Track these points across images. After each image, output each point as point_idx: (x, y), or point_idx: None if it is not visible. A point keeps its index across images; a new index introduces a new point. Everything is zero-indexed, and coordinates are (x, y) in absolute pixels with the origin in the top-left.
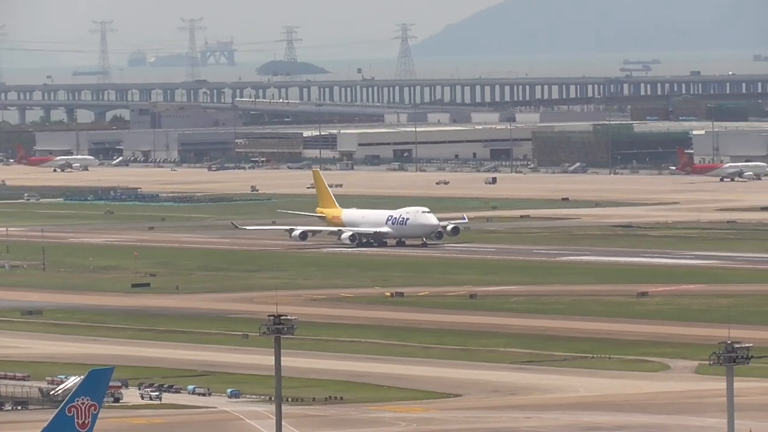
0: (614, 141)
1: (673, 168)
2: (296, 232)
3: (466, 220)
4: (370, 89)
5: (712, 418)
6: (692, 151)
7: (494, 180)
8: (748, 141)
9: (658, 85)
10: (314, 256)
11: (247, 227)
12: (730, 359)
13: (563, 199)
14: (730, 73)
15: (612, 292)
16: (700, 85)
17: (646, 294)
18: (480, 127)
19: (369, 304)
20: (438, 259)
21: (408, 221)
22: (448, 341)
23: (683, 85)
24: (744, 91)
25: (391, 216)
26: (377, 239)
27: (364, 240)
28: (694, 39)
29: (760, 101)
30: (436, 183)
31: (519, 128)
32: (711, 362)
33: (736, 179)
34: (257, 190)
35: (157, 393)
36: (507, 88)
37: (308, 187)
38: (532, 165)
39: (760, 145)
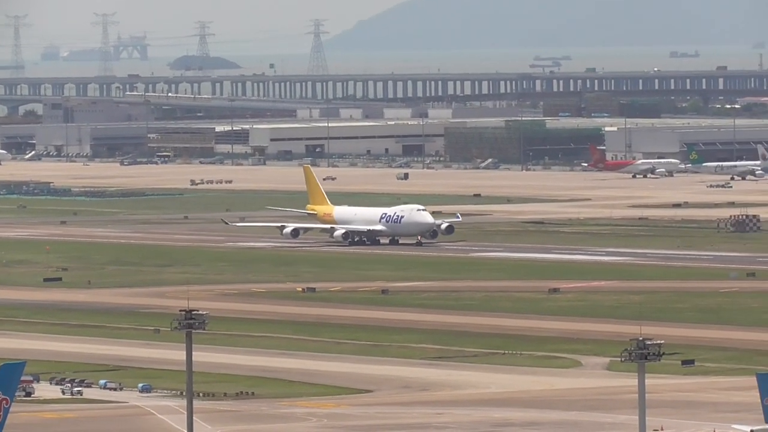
0: (526, 137)
1: (585, 164)
2: (288, 230)
3: (460, 219)
4: (282, 84)
5: (624, 414)
6: (604, 147)
7: (406, 176)
8: (661, 138)
9: (571, 81)
10: (226, 251)
11: (238, 224)
12: (642, 356)
13: (475, 195)
14: (656, 69)
15: (523, 288)
16: (612, 81)
17: (558, 290)
18: (392, 122)
19: (281, 299)
20: (349, 254)
21: (402, 219)
22: (360, 337)
23: (596, 81)
24: (657, 87)
25: (385, 213)
26: (370, 237)
27: (357, 238)
28: (605, 35)
29: (672, 98)
30: (323, 179)
31: (431, 124)
32: (622, 359)
33: (648, 176)
34: (197, 183)
35: (79, 388)
36: (419, 84)
37: (226, 182)
38: (444, 161)
39: (673, 142)
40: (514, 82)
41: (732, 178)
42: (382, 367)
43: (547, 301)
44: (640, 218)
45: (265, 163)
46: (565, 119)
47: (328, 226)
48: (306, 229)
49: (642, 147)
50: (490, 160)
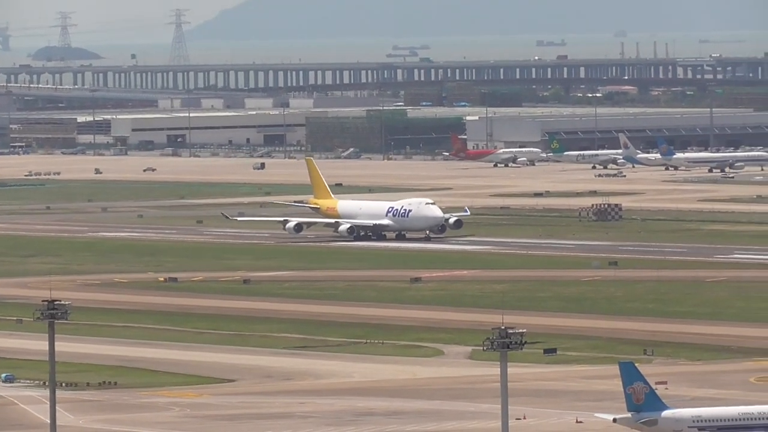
0: (388, 126)
1: (447, 154)
2: (291, 224)
3: (468, 213)
4: (143, 75)
5: (486, 403)
6: (466, 136)
7: (262, 165)
8: (522, 127)
9: (432, 70)
10: (88, 240)
11: (239, 218)
12: (504, 345)
13: (337, 184)
14: (537, 58)
15: (385, 277)
16: (473, 70)
17: (420, 279)
18: (253, 112)
19: (143, 289)
20: (212, 244)
21: (410, 213)
22: (222, 326)
23: (457, 70)
24: (518, 76)
25: (392, 207)
26: (376, 232)
27: (362, 233)
28: (469, 24)
29: (534, 87)
30: (144, 170)
31: (292, 114)
32: (484, 348)
33: (509, 165)
34: (101, 172)
35: None
36: (280, 74)
37: (95, 173)
38: (306, 150)
39: (534, 131)
40: (375, 72)
41: (593, 167)
42: (245, 356)
43: (409, 290)
44: (501, 207)
45: (126, 154)
46: (427, 108)
47: (333, 220)
48: (309, 224)
49: (503, 136)
50: (351, 149)
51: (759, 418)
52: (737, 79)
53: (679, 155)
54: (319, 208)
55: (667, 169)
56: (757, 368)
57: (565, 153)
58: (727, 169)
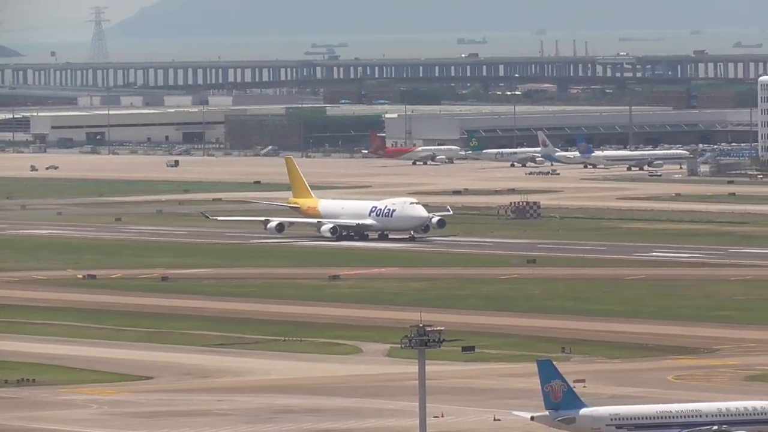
0: (307, 124)
1: (366, 151)
2: (272, 224)
3: (450, 212)
4: (63, 72)
5: (404, 401)
6: (385, 134)
7: (176, 163)
8: (441, 124)
9: (351, 68)
10: (7, 238)
11: (219, 218)
12: (422, 342)
13: (256, 182)
14: (465, 55)
15: (304, 275)
16: (393, 68)
17: (338, 277)
18: (173, 110)
19: (62, 286)
20: (131, 241)
21: (394, 213)
22: (141, 324)
23: (376, 68)
24: (437, 74)
25: (375, 207)
26: (359, 232)
27: (344, 233)
28: (385, 22)
29: (453, 85)
30: (46, 168)
31: (212, 111)
32: (402, 345)
33: (428, 163)
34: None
35: None
36: (200, 71)
37: (31, 170)
38: (225, 148)
39: (453, 129)
40: (294, 69)
41: (512, 165)
42: (163, 354)
43: (327, 288)
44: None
45: (46, 151)
46: (346, 106)
47: (315, 220)
48: (291, 224)
49: (422, 134)
50: (270, 147)
51: (677, 417)
52: (656, 78)
53: (598, 153)
54: (299, 208)
55: (585, 167)
56: (675, 366)
57: (484, 151)
58: (646, 167)
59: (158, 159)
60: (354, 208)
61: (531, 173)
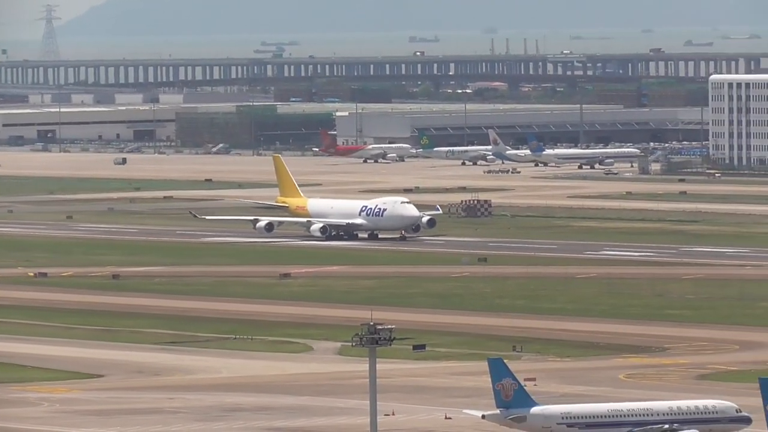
0: (258, 122)
1: (317, 149)
2: (261, 223)
3: (440, 211)
4: (14, 70)
5: (355, 399)
6: (335, 132)
7: (124, 161)
8: (392, 123)
9: (302, 66)
10: None
11: (207, 217)
12: (373, 341)
13: (207, 180)
14: (420, 53)
15: (255, 273)
16: (343, 66)
17: (289, 275)
18: (123, 108)
19: (12, 284)
20: (82, 239)
21: (385, 212)
22: (92, 322)
23: (327, 66)
24: (388, 72)
25: (366, 206)
26: (348, 231)
27: (334, 233)
28: (336, 20)
29: (404, 83)
30: None
31: (162, 109)
32: (353, 344)
33: (379, 161)
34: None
35: None
36: (150, 69)
37: None
38: (176, 146)
39: (404, 127)
40: (245, 67)
41: (463, 163)
42: (114, 352)
43: (278, 286)
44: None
45: None
46: (297, 104)
47: (304, 219)
48: (280, 223)
49: (373, 132)
50: (221, 145)
51: (628, 416)
52: (607, 76)
53: (548, 151)
54: (287, 207)
55: (536, 165)
56: (626, 365)
57: (435, 149)
58: (597, 165)
59: (109, 157)
60: (344, 208)
61: (490, 171)
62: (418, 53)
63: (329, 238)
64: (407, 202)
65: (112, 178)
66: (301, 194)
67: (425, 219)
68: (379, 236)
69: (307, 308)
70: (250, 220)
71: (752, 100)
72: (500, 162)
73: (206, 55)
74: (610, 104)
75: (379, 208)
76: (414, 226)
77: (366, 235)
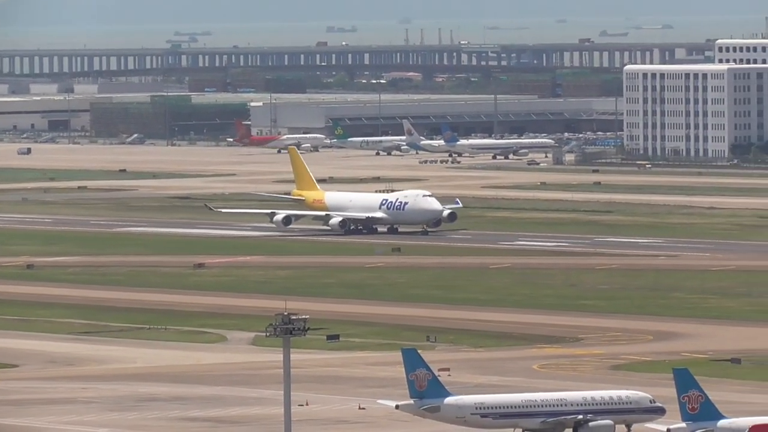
0: (172, 112)
1: (231, 140)
2: (279, 217)
3: (460, 204)
4: None
5: (269, 389)
6: (250, 122)
7: (29, 151)
8: (306, 113)
9: (216, 56)
10: None
11: (223, 210)
12: (287, 331)
13: (121, 170)
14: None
15: (169, 263)
16: (258, 56)
17: (204, 265)
18: (38, 98)
19: None
20: None
21: (407, 206)
22: (5, 311)
23: (241, 56)
24: (303, 63)
25: (386, 200)
26: (368, 226)
27: (352, 227)
28: (251, 10)
29: (318, 73)
30: None
31: (77, 99)
32: (267, 334)
33: None
34: None
35: None
36: (65, 60)
37: None
38: (90, 136)
39: (318, 117)
40: (160, 58)
41: (377, 153)
42: (28, 341)
43: (193, 276)
44: (285, 193)
45: None
46: (211, 94)
47: (323, 213)
48: (298, 217)
49: (288, 122)
50: (135, 135)
51: (542, 406)
52: (522, 66)
53: (463, 142)
54: (303, 200)
55: (451, 155)
56: (540, 355)
57: (349, 139)
58: (512, 156)
59: (14, 147)
60: (363, 201)
61: (425, 161)
62: (320, 43)
63: (348, 232)
64: (430, 195)
65: (26, 168)
66: (318, 187)
67: (446, 213)
68: (399, 230)
69: (221, 298)
70: (267, 214)
71: (666, 90)
72: (414, 152)
73: (121, 45)
74: (525, 95)
75: (401, 202)
76: (436, 220)
77: (385, 230)
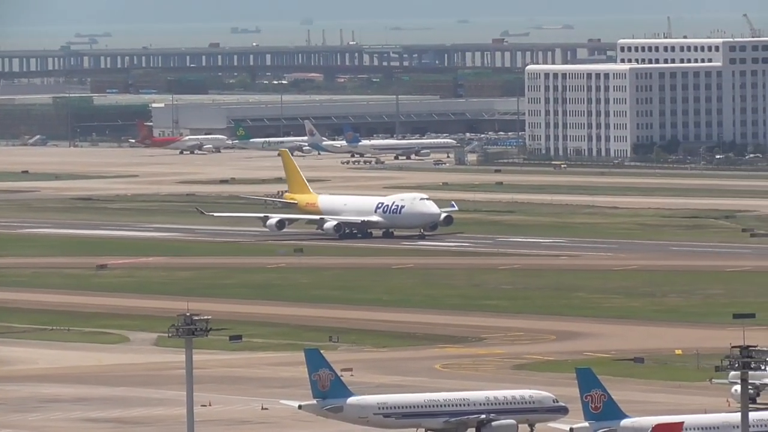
0: (74, 114)
1: (133, 141)
2: (272, 221)
3: (456, 208)
4: None
5: (172, 390)
6: (152, 123)
7: None
8: (208, 114)
9: (118, 58)
10: None
11: (215, 214)
12: (189, 331)
13: (23, 171)
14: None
15: (71, 264)
16: (159, 57)
17: (106, 266)
18: None
19: None
20: None
21: (403, 209)
22: None
23: (143, 57)
24: (204, 64)
25: (382, 203)
26: (363, 229)
27: (347, 231)
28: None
29: (220, 74)
30: None
31: None
32: (170, 334)
33: (195, 152)
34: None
35: None
36: None
37: None
38: None
39: (220, 118)
40: (61, 59)
41: (279, 154)
42: None
43: (94, 277)
44: (187, 194)
45: None
46: (113, 96)
47: (317, 217)
48: (291, 221)
49: (189, 123)
50: (37, 136)
51: (444, 405)
52: (423, 67)
53: (365, 142)
54: (296, 204)
55: (353, 156)
56: (443, 355)
57: (251, 140)
58: (413, 156)
59: None
60: (358, 204)
61: (347, 162)
62: (213, 44)
63: (343, 236)
64: (426, 199)
65: None
66: (311, 190)
67: (442, 216)
68: (395, 234)
69: (123, 299)
70: (260, 218)
71: (568, 90)
72: (316, 152)
73: (22, 46)
74: (427, 95)
75: (397, 205)
76: (433, 223)
77: (381, 233)
